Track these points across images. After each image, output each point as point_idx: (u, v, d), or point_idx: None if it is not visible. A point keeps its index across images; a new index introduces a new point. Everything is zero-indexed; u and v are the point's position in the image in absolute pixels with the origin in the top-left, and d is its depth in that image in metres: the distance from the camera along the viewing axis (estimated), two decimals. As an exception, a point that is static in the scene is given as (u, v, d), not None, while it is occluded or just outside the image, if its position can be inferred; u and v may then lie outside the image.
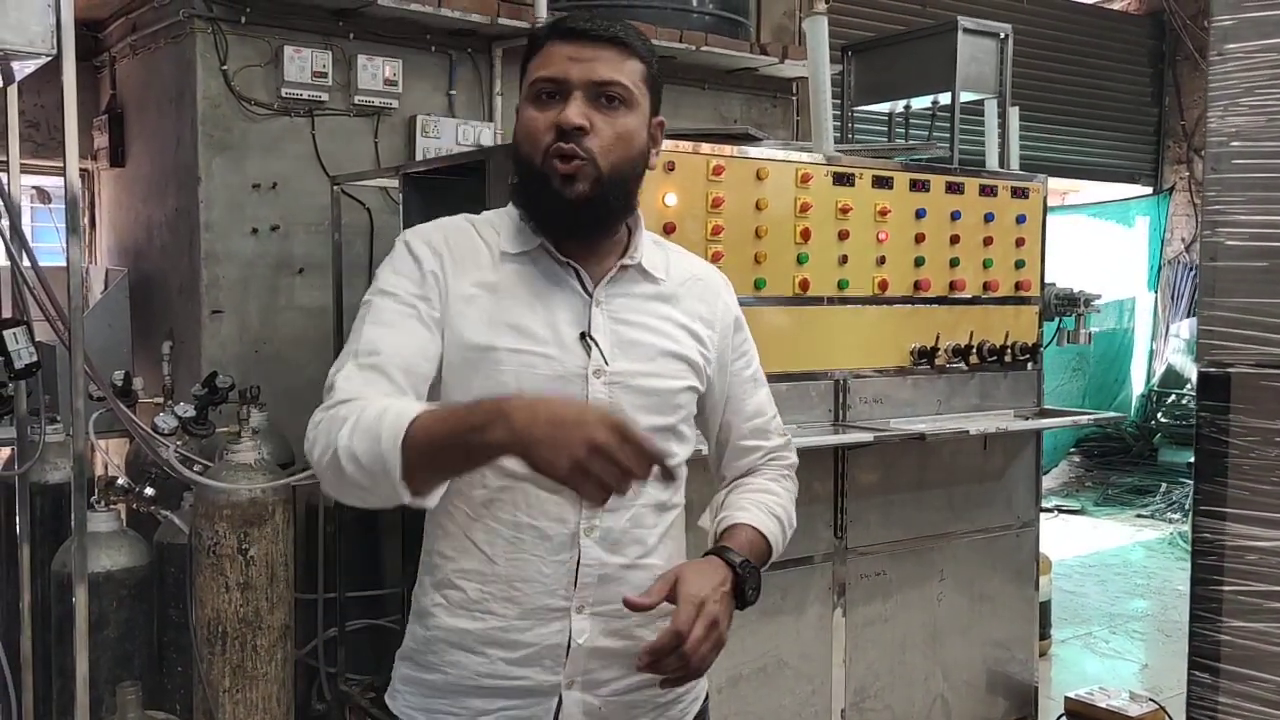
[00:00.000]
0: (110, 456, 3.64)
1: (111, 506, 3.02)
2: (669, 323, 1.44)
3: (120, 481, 3.02)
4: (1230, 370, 1.10)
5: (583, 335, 1.37)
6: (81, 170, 4.62)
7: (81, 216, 4.80)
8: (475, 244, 1.42)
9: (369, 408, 1.22)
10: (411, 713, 1.43)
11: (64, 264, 2.53)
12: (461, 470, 1.24)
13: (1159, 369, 8.91)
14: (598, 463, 1.07)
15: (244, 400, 3.03)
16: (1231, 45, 1.06)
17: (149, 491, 2.98)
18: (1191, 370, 8.44)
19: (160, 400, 3.46)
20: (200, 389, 3.17)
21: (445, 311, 1.36)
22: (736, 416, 1.54)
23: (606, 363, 1.37)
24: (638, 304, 1.43)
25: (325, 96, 3.86)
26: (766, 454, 1.57)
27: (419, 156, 3.93)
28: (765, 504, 1.50)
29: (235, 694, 2.81)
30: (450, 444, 1.15)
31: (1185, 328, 8.68)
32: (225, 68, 3.70)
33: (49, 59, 2.41)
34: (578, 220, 1.37)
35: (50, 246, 4.57)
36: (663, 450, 1.14)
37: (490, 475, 1.35)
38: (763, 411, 1.57)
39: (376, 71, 3.91)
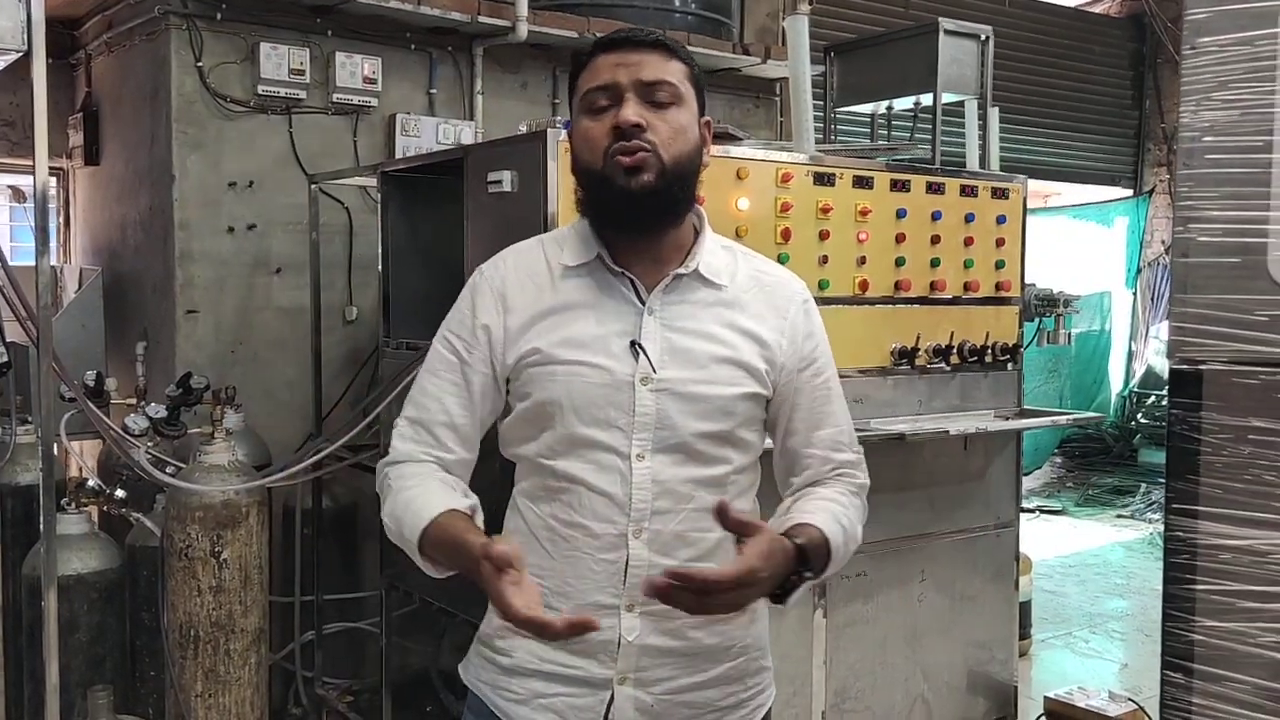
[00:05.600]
0: (84, 459, 3.60)
1: (82, 509, 2.98)
2: (729, 329, 1.46)
3: (91, 483, 2.98)
4: (1202, 367, 1.09)
5: (632, 343, 1.41)
6: (56, 169, 4.60)
7: (57, 215, 4.76)
8: (537, 266, 1.49)
9: (402, 494, 1.43)
10: (479, 685, 1.53)
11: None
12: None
13: (1139, 370, 8.96)
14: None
15: (217, 401, 3.00)
16: (1205, 38, 1.05)
17: (119, 493, 2.95)
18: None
19: (134, 401, 3.41)
20: (174, 389, 3.13)
21: (505, 352, 1.46)
22: (804, 425, 1.52)
23: (655, 370, 1.41)
24: (695, 310, 1.45)
25: (303, 94, 3.82)
26: (835, 468, 1.53)
27: (399, 155, 3.91)
28: (832, 512, 1.46)
29: (208, 698, 2.78)
30: (451, 563, 1.38)
31: (1165, 329, 8.73)
32: (200, 64, 3.67)
33: (20, 55, 2.37)
34: (643, 212, 1.41)
35: (27, 245, 4.52)
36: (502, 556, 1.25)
37: (549, 478, 1.44)
38: (835, 423, 1.54)
39: (355, 69, 3.88)
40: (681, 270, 1.46)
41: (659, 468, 1.41)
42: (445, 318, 1.55)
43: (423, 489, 1.43)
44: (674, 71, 1.43)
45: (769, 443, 1.56)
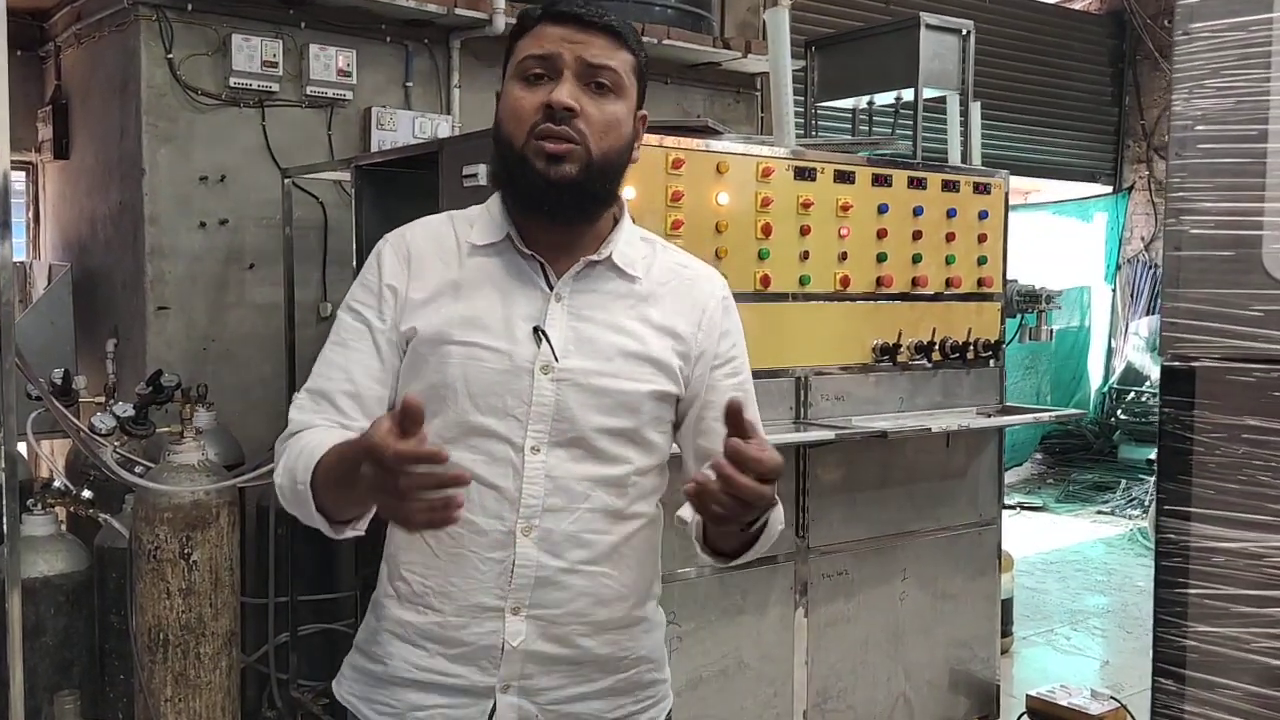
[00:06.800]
0: (53, 458, 3.53)
1: (49, 510, 2.92)
2: (641, 323, 1.39)
3: (57, 484, 2.92)
4: (1195, 364, 1.06)
5: (535, 329, 1.34)
6: (25, 162, 4.52)
7: (26, 210, 4.67)
8: (445, 242, 1.41)
9: (294, 446, 1.32)
10: (353, 700, 1.43)
11: None
12: (366, 504, 1.24)
13: (1118, 366, 8.99)
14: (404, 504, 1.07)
15: (188, 399, 2.94)
16: (1198, 24, 1.02)
17: (86, 494, 2.89)
18: (1150, 367, 8.55)
19: (103, 399, 3.35)
20: (144, 388, 3.07)
21: (402, 318, 1.37)
22: (719, 424, 1.41)
23: (556, 359, 1.33)
24: (606, 301, 1.38)
25: (276, 87, 3.76)
26: None
27: (374, 149, 3.85)
28: None
29: (178, 703, 2.72)
30: (346, 487, 1.20)
31: (1144, 325, 8.76)
32: (171, 56, 3.60)
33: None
34: (559, 203, 1.33)
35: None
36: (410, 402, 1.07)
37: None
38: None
39: (329, 62, 3.82)
40: (594, 257, 1.38)
41: (554, 462, 1.33)
42: (349, 291, 1.44)
43: (316, 437, 1.31)
44: (620, 60, 1.35)
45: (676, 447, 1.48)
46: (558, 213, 1.35)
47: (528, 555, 1.33)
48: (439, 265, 1.39)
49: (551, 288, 1.37)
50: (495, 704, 1.36)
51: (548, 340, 1.33)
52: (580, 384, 1.34)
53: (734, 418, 1.15)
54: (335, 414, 1.35)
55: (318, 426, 1.34)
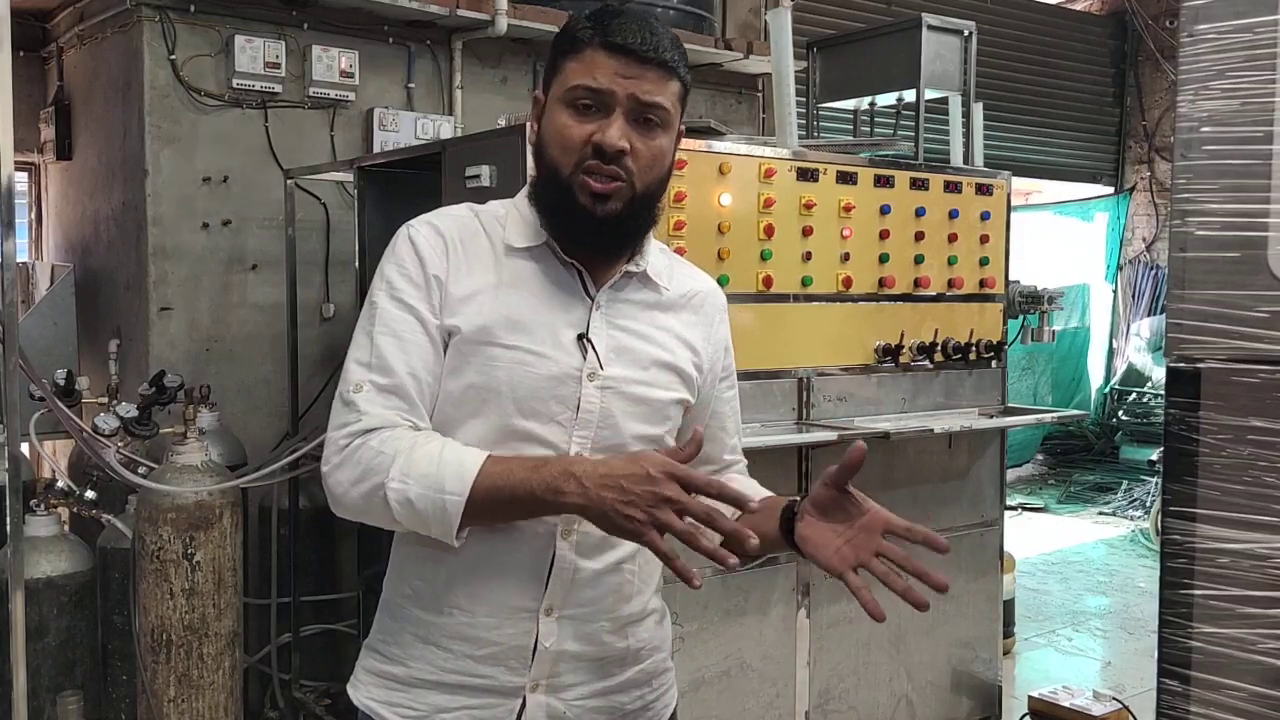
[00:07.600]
0: (55, 459, 3.53)
1: (52, 510, 2.92)
2: (666, 333, 1.43)
3: (60, 484, 2.92)
4: (1200, 365, 1.06)
5: (580, 337, 1.36)
6: (27, 163, 4.52)
7: (29, 211, 4.68)
8: (479, 239, 1.40)
9: (418, 449, 1.27)
10: (372, 704, 1.41)
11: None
12: (517, 520, 1.32)
13: (1120, 367, 8.99)
14: (667, 515, 1.17)
15: (190, 400, 2.94)
16: (1203, 25, 1.02)
17: (89, 495, 2.89)
18: (1152, 368, 8.54)
19: (106, 400, 3.35)
20: (147, 388, 3.07)
21: (444, 312, 1.36)
22: (723, 433, 1.55)
23: (602, 367, 1.36)
24: (637, 311, 1.41)
25: (279, 88, 3.76)
26: (728, 466, 1.59)
27: (376, 150, 3.85)
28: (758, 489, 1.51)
29: (180, 703, 2.72)
30: (518, 501, 1.24)
31: (1145, 326, 8.76)
32: (173, 57, 3.60)
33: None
34: (603, 237, 1.36)
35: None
36: (731, 491, 1.24)
37: None
38: (739, 431, 1.60)
39: (332, 63, 3.82)
40: (632, 269, 1.41)
41: None
42: (381, 273, 1.38)
43: (442, 441, 1.29)
44: (670, 93, 1.34)
45: None
46: (600, 245, 1.37)
47: (565, 558, 1.35)
48: (477, 263, 1.37)
49: (590, 296, 1.39)
50: (524, 703, 1.37)
51: (593, 348, 1.35)
52: (622, 392, 1.37)
53: (848, 472, 1.33)
54: (409, 412, 1.32)
55: (400, 426, 1.30)
